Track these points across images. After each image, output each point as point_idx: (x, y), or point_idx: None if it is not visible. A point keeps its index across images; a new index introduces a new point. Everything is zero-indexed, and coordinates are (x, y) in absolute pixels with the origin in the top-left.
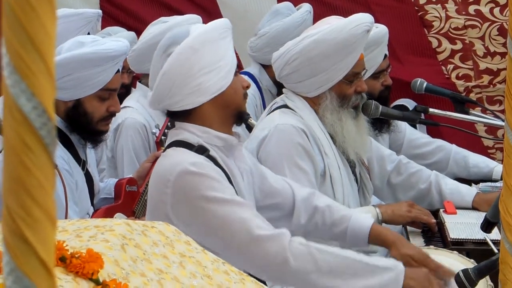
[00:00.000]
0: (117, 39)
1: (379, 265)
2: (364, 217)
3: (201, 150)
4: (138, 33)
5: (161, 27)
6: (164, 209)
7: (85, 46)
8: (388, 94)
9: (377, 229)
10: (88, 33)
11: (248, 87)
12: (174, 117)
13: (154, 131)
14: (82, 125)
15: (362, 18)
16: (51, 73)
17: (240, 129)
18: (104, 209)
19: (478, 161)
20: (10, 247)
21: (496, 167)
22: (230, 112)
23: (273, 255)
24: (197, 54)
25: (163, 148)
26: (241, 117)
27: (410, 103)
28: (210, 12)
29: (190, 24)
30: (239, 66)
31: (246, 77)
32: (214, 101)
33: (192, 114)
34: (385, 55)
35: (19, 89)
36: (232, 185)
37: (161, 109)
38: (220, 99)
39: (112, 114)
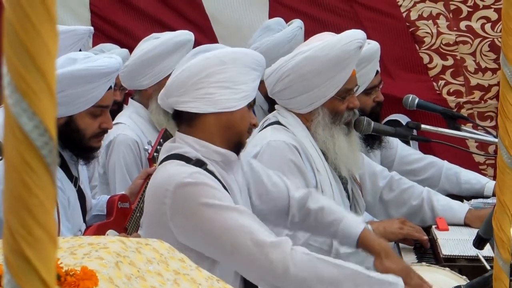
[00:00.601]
0: (110, 56)
1: (380, 279)
2: (355, 221)
3: (199, 163)
4: (130, 49)
5: (153, 43)
6: (163, 220)
7: (78, 62)
8: (379, 110)
9: (366, 238)
10: (80, 50)
11: (255, 125)
12: (179, 119)
13: (146, 147)
14: (74, 141)
15: (355, 35)
16: (52, 92)
17: None
18: (96, 225)
19: (469, 177)
20: (11, 266)
21: (487, 183)
22: (231, 136)
23: (274, 261)
24: (222, 66)
25: (156, 164)
26: (239, 147)
27: (403, 118)
28: (202, 28)
29: (182, 39)
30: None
31: None
32: (220, 117)
33: (195, 121)
34: (377, 71)
35: (20, 108)
36: None
37: (168, 105)
38: (225, 118)
39: (105, 131)
